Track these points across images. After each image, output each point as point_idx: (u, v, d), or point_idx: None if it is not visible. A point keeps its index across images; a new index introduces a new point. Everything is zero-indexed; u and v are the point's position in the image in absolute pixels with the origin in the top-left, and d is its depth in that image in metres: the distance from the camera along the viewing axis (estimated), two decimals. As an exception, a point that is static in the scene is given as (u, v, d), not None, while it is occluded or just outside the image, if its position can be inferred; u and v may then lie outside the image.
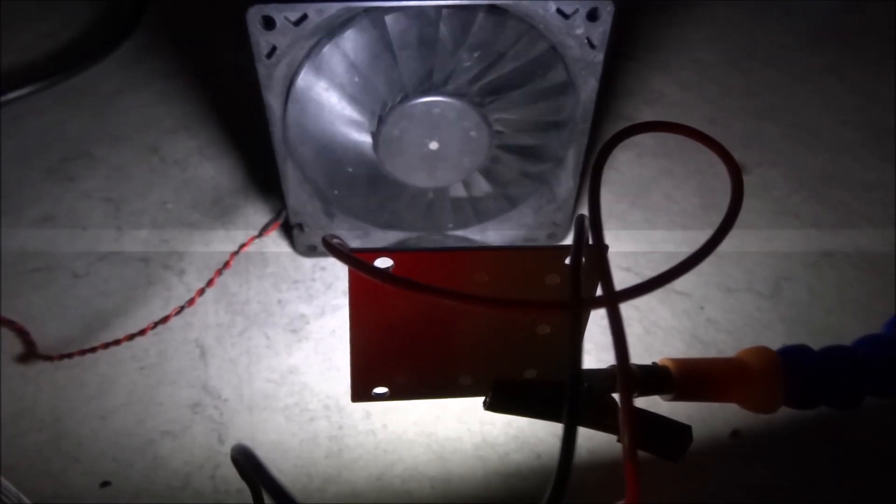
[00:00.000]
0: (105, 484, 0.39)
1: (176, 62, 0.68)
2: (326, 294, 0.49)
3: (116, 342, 0.45)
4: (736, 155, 0.31)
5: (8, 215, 0.53)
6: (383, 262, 0.29)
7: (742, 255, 0.52)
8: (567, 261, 0.30)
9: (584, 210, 0.31)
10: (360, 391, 0.34)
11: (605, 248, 0.28)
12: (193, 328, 0.47)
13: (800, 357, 0.35)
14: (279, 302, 0.48)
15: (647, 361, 0.35)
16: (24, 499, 0.32)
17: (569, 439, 0.23)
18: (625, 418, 0.25)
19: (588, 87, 0.43)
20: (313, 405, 0.43)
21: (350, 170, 0.46)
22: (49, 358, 0.44)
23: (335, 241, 0.28)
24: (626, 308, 0.48)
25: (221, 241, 0.52)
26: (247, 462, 0.23)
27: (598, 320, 0.44)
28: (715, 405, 0.42)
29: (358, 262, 0.27)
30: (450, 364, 0.34)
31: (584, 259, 0.28)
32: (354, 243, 0.50)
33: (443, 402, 0.42)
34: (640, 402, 0.34)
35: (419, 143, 0.43)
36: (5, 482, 0.31)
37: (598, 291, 0.28)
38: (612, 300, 0.25)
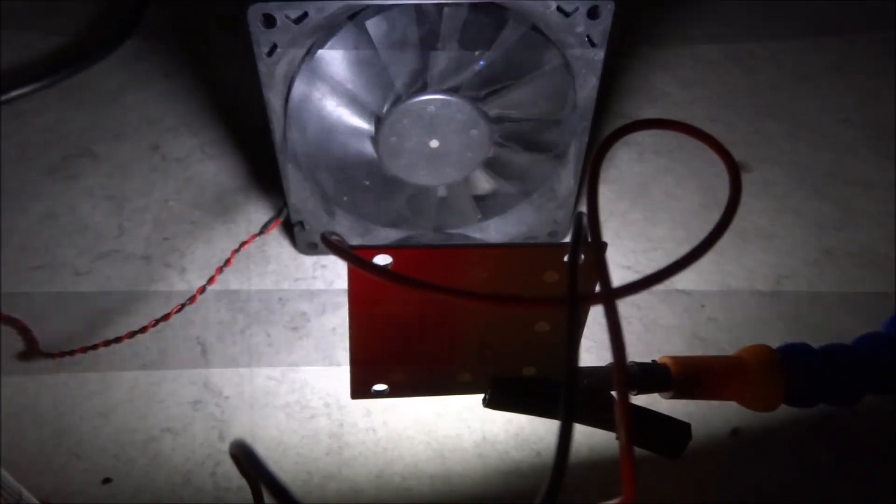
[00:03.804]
0: (106, 480, 0.39)
1: (177, 60, 0.68)
2: (327, 292, 0.49)
3: (118, 339, 0.45)
4: (737, 153, 0.31)
5: (10, 213, 0.54)
6: (382, 259, 0.29)
7: (743, 254, 0.52)
8: (566, 258, 0.30)
9: (584, 208, 0.31)
10: (360, 388, 0.34)
11: (604, 245, 0.28)
12: (195, 326, 0.47)
13: (800, 355, 0.35)
14: (280, 300, 0.49)
15: (647, 359, 0.35)
16: (27, 493, 0.32)
17: (565, 436, 0.23)
18: (621, 415, 0.25)
19: (588, 86, 0.43)
20: (314, 403, 0.43)
21: (350, 167, 0.46)
22: (51, 355, 0.44)
23: (334, 237, 0.28)
24: (626, 306, 0.49)
25: (223, 239, 0.52)
26: (245, 458, 0.23)
27: (599, 318, 0.44)
28: (715, 403, 0.42)
29: (357, 258, 0.27)
30: (449, 361, 0.34)
31: (582, 256, 0.28)
32: (355, 241, 0.50)
33: (443, 400, 0.43)
34: (641, 400, 0.34)
35: (420, 140, 0.43)
36: (8, 477, 0.31)
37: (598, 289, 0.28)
38: (610, 297, 0.25)
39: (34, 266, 0.50)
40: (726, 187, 0.30)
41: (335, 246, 0.27)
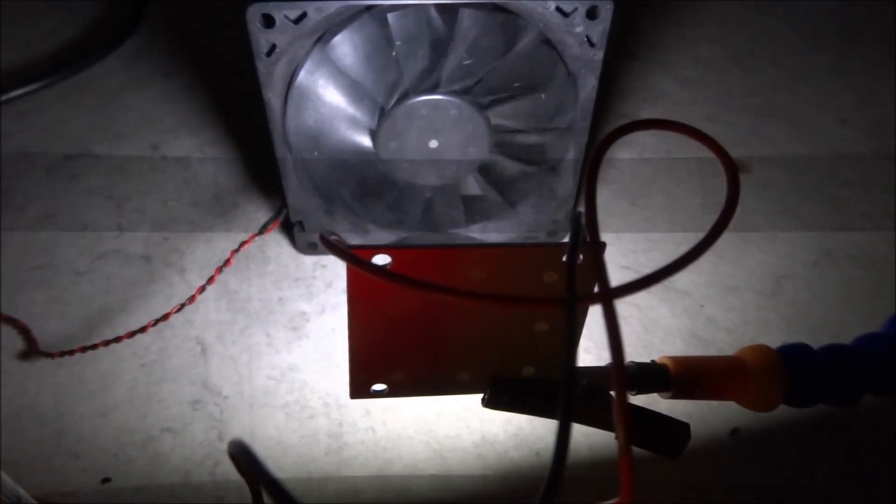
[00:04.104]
0: (105, 480, 0.39)
1: (177, 60, 0.68)
2: (327, 292, 0.49)
3: (117, 339, 0.45)
4: (737, 153, 0.31)
5: (9, 213, 0.54)
6: (381, 259, 0.29)
7: (742, 254, 0.52)
8: (565, 258, 0.30)
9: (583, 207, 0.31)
10: (359, 388, 0.34)
11: (602, 245, 0.28)
12: (194, 325, 0.47)
13: (799, 355, 0.35)
14: (280, 300, 0.49)
15: (647, 359, 0.35)
16: (25, 494, 0.32)
17: (563, 435, 0.23)
18: (619, 414, 0.25)
19: (588, 86, 0.43)
20: (313, 402, 0.43)
21: (350, 168, 0.46)
22: (50, 355, 0.44)
23: (333, 237, 0.28)
24: (626, 306, 0.49)
25: (222, 239, 0.52)
26: (243, 458, 0.23)
27: (598, 318, 0.44)
28: (714, 403, 0.41)
29: (355, 258, 0.27)
30: (448, 361, 0.34)
31: (581, 256, 0.28)
32: (354, 242, 0.50)
33: (442, 399, 0.43)
34: (640, 400, 0.34)
35: (419, 141, 0.43)
36: (6, 478, 0.31)
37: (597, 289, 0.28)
38: (608, 296, 0.25)
39: (34, 266, 0.50)
40: (725, 188, 0.31)
41: (334, 246, 0.27)
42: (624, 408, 0.24)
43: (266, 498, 0.31)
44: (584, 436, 0.40)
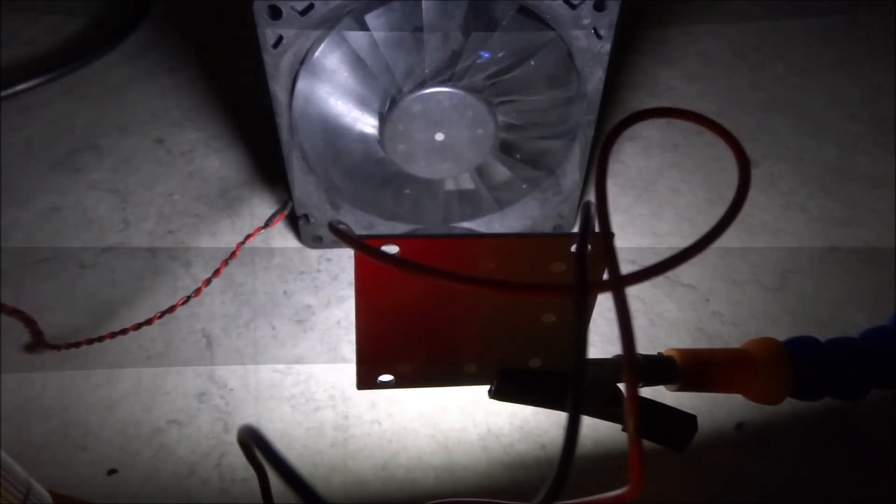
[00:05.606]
0: (112, 472, 0.40)
1: (182, 54, 0.68)
2: (332, 285, 0.49)
3: (123, 332, 0.45)
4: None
5: (15, 206, 0.54)
6: (390, 249, 0.29)
7: (748, 249, 0.52)
8: (573, 248, 0.29)
9: (591, 199, 0.31)
10: (366, 378, 0.34)
11: (612, 234, 0.28)
12: (200, 318, 0.47)
13: (806, 348, 0.35)
14: (285, 293, 0.49)
15: (653, 353, 0.35)
16: (36, 485, 0.32)
17: (572, 425, 0.23)
18: (629, 404, 0.25)
19: (595, 79, 0.43)
20: (319, 395, 0.43)
21: (356, 161, 0.46)
22: (56, 347, 0.44)
23: (342, 226, 0.28)
24: (631, 300, 0.48)
25: (227, 233, 0.52)
26: (254, 441, 0.23)
27: (603, 312, 0.44)
28: (720, 396, 0.42)
29: (364, 245, 0.27)
30: (455, 352, 0.34)
31: (589, 246, 0.28)
32: (360, 234, 0.50)
33: (448, 392, 0.43)
34: (646, 393, 0.34)
35: (425, 134, 0.43)
36: (16, 467, 0.31)
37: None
38: (619, 284, 0.25)
39: (39, 259, 0.50)
40: (732, 182, 0.30)
41: (343, 234, 0.27)
42: (635, 397, 0.24)
43: (274, 488, 0.31)
44: (589, 429, 0.40)
